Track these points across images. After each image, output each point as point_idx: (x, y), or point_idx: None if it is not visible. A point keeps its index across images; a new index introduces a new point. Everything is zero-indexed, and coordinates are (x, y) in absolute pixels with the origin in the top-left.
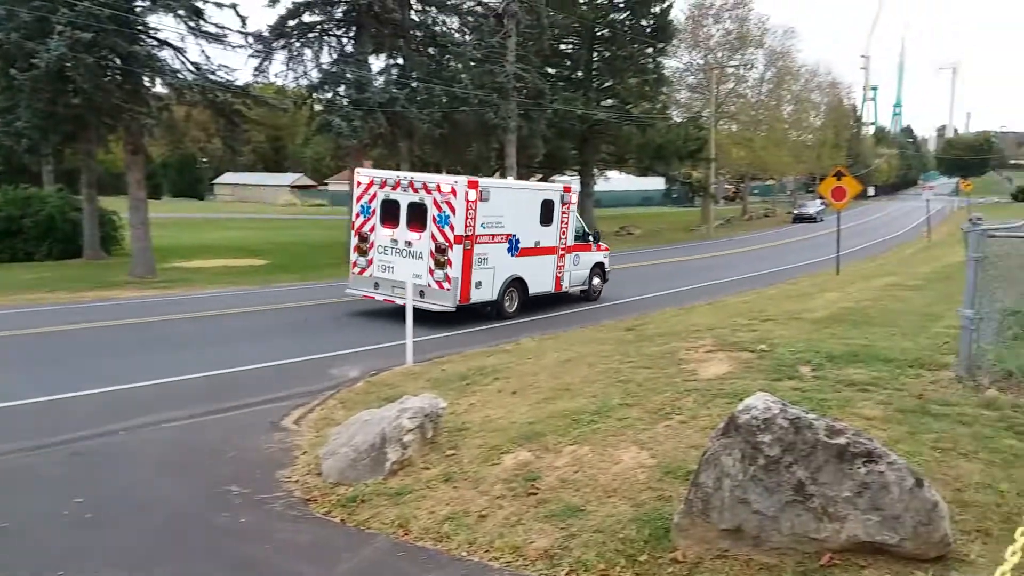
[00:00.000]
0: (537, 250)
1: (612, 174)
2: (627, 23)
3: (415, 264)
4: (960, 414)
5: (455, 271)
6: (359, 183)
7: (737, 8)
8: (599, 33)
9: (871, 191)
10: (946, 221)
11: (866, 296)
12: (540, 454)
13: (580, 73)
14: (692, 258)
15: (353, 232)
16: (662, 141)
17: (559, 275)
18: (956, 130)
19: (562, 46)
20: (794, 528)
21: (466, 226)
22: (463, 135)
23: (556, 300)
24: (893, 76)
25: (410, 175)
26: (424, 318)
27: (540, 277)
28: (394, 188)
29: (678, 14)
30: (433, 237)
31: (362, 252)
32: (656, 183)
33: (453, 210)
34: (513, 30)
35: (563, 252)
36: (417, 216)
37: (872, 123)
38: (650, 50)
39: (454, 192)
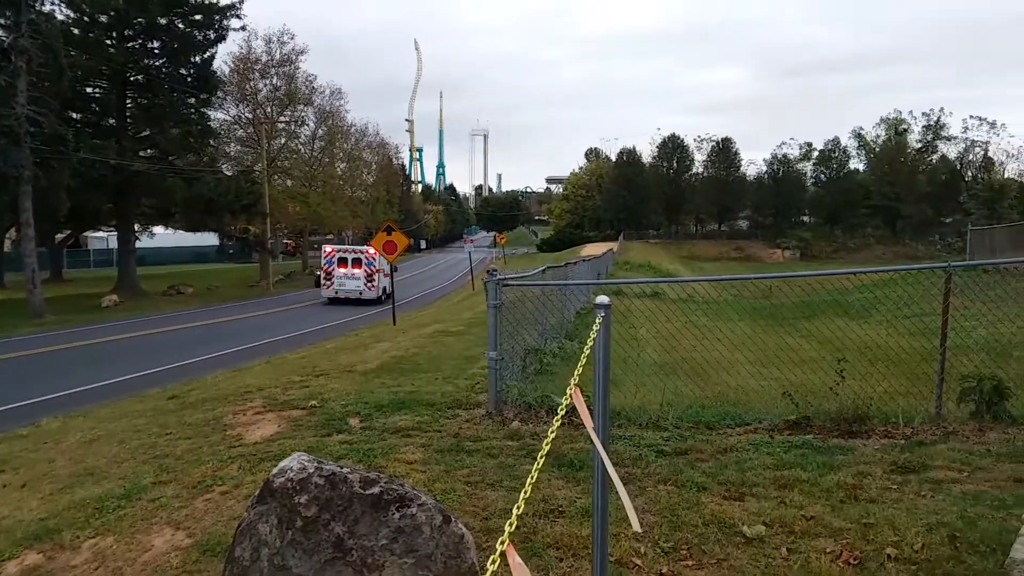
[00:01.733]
0: (385, 275)
1: (158, 229)
2: (164, 70)
3: (357, 283)
4: (489, 447)
5: (376, 284)
6: (325, 249)
7: (284, 65)
8: (132, 78)
9: (423, 244)
10: (487, 270)
11: (415, 344)
12: (53, 554)
13: (112, 120)
14: (251, 315)
15: (322, 272)
16: (212, 195)
17: (387, 285)
18: (491, 189)
19: (88, 89)
20: None
21: (377, 266)
22: None
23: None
24: (436, 139)
25: (352, 246)
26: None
27: (386, 286)
28: (344, 252)
29: (222, 66)
30: (367, 271)
31: (328, 279)
32: (210, 239)
33: (374, 259)
34: (23, 68)
35: (387, 275)
36: (356, 262)
37: (420, 181)
38: (193, 100)
39: (375, 253)
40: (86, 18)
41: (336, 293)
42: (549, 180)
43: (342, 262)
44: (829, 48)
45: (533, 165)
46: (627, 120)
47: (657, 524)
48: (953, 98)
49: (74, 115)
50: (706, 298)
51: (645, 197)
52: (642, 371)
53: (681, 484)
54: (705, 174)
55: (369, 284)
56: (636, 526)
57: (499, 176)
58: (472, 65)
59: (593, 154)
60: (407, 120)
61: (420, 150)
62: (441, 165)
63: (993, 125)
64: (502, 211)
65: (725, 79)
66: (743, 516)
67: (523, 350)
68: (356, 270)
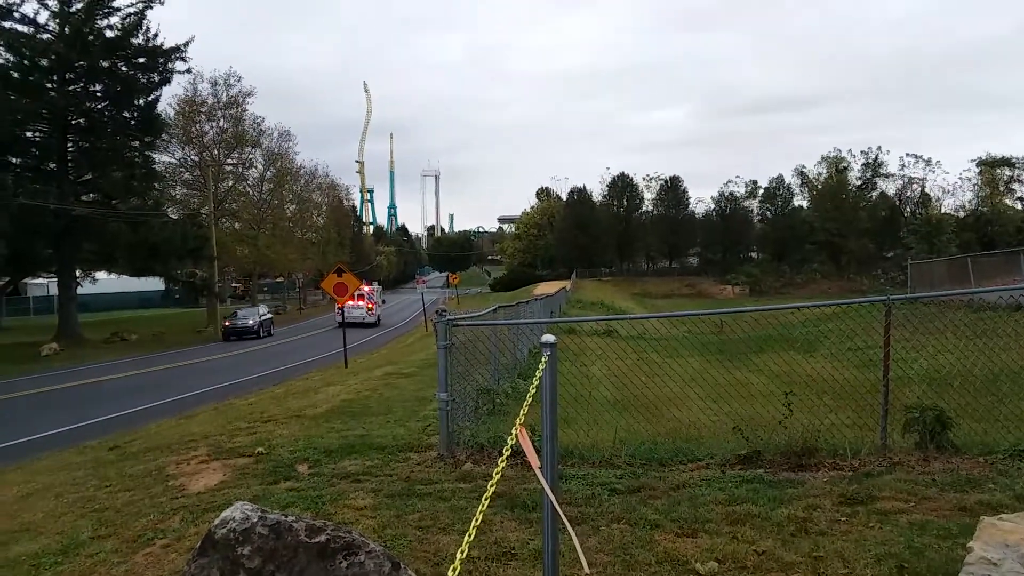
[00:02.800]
0: (378, 307)
1: (101, 275)
2: (107, 113)
3: (360, 311)
4: (440, 491)
5: (375, 312)
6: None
7: (231, 108)
8: (74, 122)
9: (376, 286)
10: (436, 311)
11: (366, 387)
12: None
13: (53, 164)
14: (198, 361)
15: (338, 306)
16: (157, 239)
17: (379, 313)
18: (443, 229)
19: (28, 133)
20: None
21: (374, 299)
22: None
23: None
24: (387, 180)
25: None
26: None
27: (377, 314)
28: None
29: (167, 108)
30: (367, 303)
31: (341, 311)
32: (155, 283)
33: (372, 294)
34: None
35: (378, 306)
36: (360, 295)
37: (371, 223)
38: (137, 143)
39: (371, 290)
40: (26, 61)
41: (346, 319)
42: (501, 219)
43: (353, 296)
44: (768, 88)
45: (485, 204)
46: (576, 159)
47: (611, 563)
48: (889, 137)
49: (13, 159)
50: (658, 335)
51: (597, 235)
52: (595, 409)
53: (634, 522)
54: (655, 212)
55: (369, 312)
56: (586, 567)
57: (451, 216)
58: (421, 106)
59: (544, 193)
60: (357, 161)
61: (371, 191)
62: (392, 206)
63: (928, 162)
64: (454, 251)
65: (668, 119)
66: (696, 553)
67: (475, 390)
68: (360, 302)
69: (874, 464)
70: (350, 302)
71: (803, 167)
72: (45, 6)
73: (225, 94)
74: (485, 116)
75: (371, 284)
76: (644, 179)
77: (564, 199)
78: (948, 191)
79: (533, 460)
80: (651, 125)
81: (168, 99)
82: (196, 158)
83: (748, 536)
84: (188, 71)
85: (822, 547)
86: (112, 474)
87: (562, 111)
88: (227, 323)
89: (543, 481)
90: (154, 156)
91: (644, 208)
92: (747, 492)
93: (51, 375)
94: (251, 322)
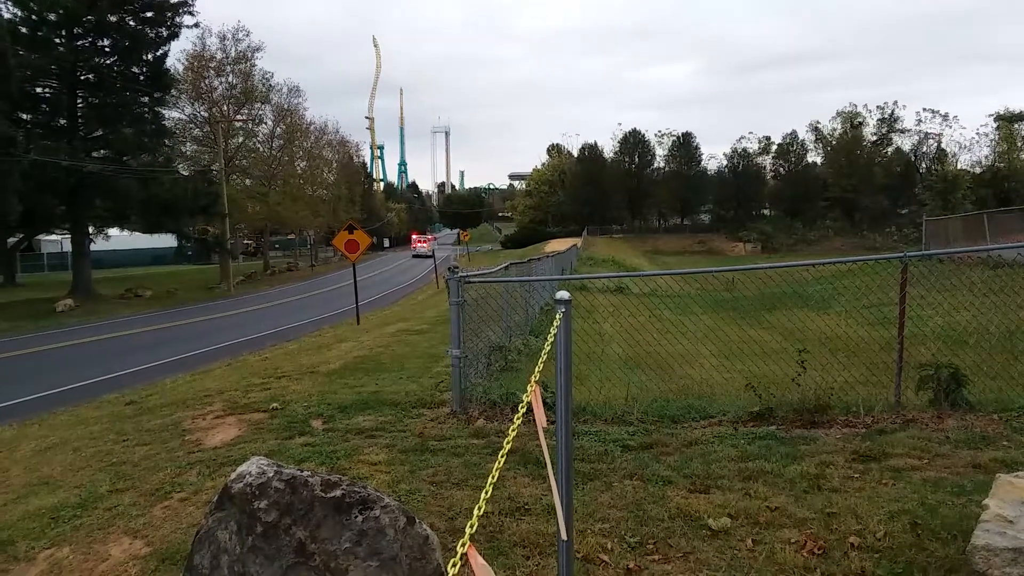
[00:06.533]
0: (429, 244)
1: (114, 232)
2: (116, 69)
3: (424, 248)
4: (454, 446)
5: (431, 249)
6: (413, 236)
7: (240, 63)
8: (83, 77)
9: (386, 243)
10: (449, 268)
11: (379, 343)
12: (7, 566)
13: (63, 120)
14: (211, 317)
15: (412, 245)
16: (168, 196)
17: (434, 248)
18: (454, 186)
19: (38, 89)
20: None
21: (429, 243)
22: None
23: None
24: (397, 136)
25: (420, 235)
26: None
27: (432, 249)
28: (418, 236)
29: (176, 64)
30: (427, 244)
31: (413, 248)
32: (168, 240)
33: (430, 239)
34: None
35: (430, 243)
36: (423, 240)
37: (382, 179)
38: (146, 99)
39: (431, 237)
40: (34, 16)
41: (416, 253)
42: (512, 176)
43: (418, 240)
44: (780, 42)
45: (496, 161)
46: (587, 116)
47: (623, 519)
48: (906, 92)
49: (23, 116)
50: (670, 292)
51: (608, 192)
52: (607, 366)
53: (647, 478)
54: (667, 169)
55: (428, 248)
56: (563, 534)
57: (462, 173)
58: (430, 63)
59: (555, 150)
60: (367, 118)
61: (381, 148)
62: (403, 163)
63: (945, 117)
64: (465, 208)
65: (680, 75)
66: (708, 509)
67: (487, 347)
68: (423, 244)
69: (888, 421)
70: (419, 244)
71: (817, 122)
72: None
73: (234, 49)
74: (495, 74)
75: (432, 234)
76: (656, 135)
77: (575, 156)
78: (965, 146)
79: (539, 418)
80: (663, 81)
81: (177, 54)
82: (205, 114)
83: (761, 492)
84: (196, 25)
85: (835, 503)
86: (129, 428)
87: (572, 70)
88: None
89: (541, 437)
90: (164, 112)
91: (656, 164)
92: (760, 449)
93: (67, 331)
94: None
